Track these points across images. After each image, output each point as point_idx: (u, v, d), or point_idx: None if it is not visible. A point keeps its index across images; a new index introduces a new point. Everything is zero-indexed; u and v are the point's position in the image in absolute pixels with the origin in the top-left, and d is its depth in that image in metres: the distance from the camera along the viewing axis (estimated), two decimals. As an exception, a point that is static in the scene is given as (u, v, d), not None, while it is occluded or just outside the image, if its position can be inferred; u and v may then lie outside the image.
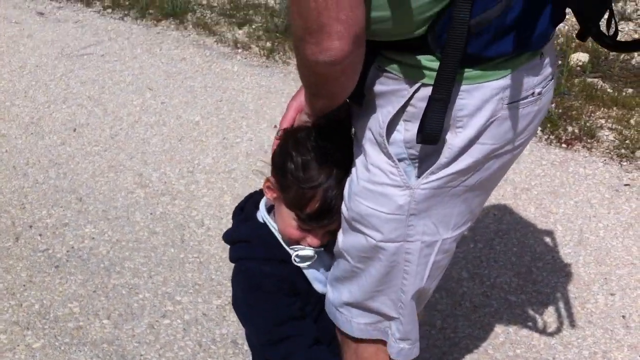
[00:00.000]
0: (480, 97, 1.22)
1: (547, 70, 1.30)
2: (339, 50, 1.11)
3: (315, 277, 1.56)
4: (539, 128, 3.42)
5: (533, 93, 1.27)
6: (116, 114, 3.73)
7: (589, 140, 3.39)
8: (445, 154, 1.26)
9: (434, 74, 1.19)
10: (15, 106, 3.84)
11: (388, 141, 1.28)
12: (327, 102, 1.31)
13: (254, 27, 4.67)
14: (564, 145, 3.38)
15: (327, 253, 1.54)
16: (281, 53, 4.31)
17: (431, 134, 1.20)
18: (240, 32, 4.64)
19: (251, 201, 1.63)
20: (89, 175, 3.25)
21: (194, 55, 4.33)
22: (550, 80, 1.33)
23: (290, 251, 1.51)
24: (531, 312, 2.43)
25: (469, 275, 2.60)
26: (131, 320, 2.44)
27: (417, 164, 1.29)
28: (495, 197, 2.99)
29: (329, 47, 1.10)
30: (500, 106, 1.23)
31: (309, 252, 1.49)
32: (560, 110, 3.59)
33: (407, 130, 1.27)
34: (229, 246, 1.62)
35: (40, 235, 2.87)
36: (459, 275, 2.60)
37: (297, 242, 1.50)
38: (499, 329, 2.38)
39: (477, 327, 2.38)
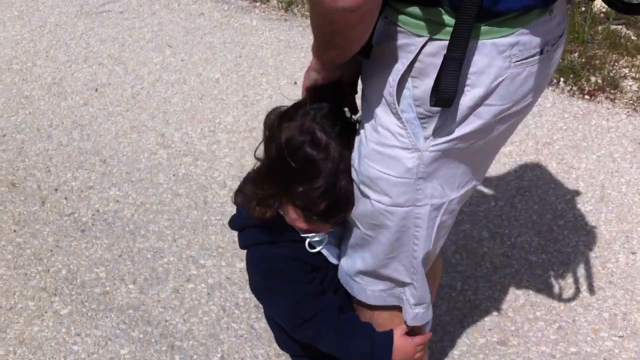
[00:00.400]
0: (488, 54, 1.20)
1: (557, 28, 1.28)
2: None
3: (330, 252, 1.57)
4: (562, 79, 3.37)
5: (542, 51, 1.25)
6: (137, 73, 3.73)
7: (612, 91, 3.33)
8: (454, 115, 1.25)
9: (442, 27, 1.18)
10: (37, 66, 3.85)
11: (398, 100, 1.27)
12: (339, 53, 1.27)
13: (272, -23, 4.61)
14: (586, 96, 3.32)
15: (338, 225, 1.54)
16: (300, 6, 4.25)
17: (447, 95, 1.19)
18: (259, -17, 4.57)
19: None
20: (112, 137, 3.27)
21: (212, 10, 4.29)
22: (560, 37, 1.30)
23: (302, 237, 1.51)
24: (552, 273, 2.44)
25: (489, 234, 2.61)
26: (156, 285, 2.49)
27: (425, 124, 1.28)
28: (517, 153, 2.97)
29: None
30: (508, 64, 1.21)
31: (320, 236, 1.50)
32: (583, 60, 3.52)
33: (415, 87, 1.25)
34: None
35: (65, 198, 2.92)
36: (479, 235, 2.61)
37: (307, 232, 1.50)
38: (519, 290, 2.39)
39: (498, 289, 2.40)
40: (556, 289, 2.39)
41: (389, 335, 1.54)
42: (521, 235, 2.60)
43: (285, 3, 4.28)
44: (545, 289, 2.38)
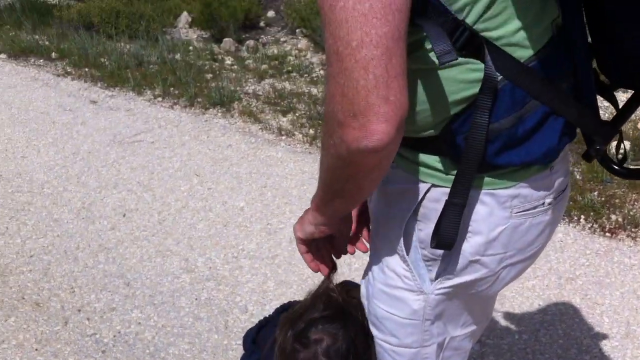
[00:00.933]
0: (489, 204, 1.22)
1: (558, 181, 1.28)
2: (385, 133, 1.02)
3: None
4: (582, 216, 3.42)
5: (543, 203, 1.26)
6: (164, 200, 3.83)
7: (633, 229, 3.37)
8: (457, 260, 1.26)
9: (444, 175, 1.20)
10: (68, 191, 3.97)
11: (404, 242, 1.28)
12: (345, 204, 1.25)
13: (297, 114, 4.80)
14: (607, 234, 3.35)
15: None
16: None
17: (447, 239, 1.19)
18: (284, 119, 4.76)
19: (263, 332, 1.64)
20: (137, 260, 3.32)
21: (239, 142, 4.45)
22: (563, 191, 1.31)
23: None
24: (579, 408, 2.39)
25: (514, 367, 2.57)
26: (175, 408, 2.45)
27: (430, 267, 1.29)
28: (540, 287, 2.98)
29: (375, 130, 1.02)
30: (509, 214, 1.23)
31: None
32: (603, 199, 3.58)
33: (420, 230, 1.27)
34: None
35: (88, 319, 2.93)
36: (503, 368, 2.57)
37: None
38: None
39: (523, 423, 2.34)
40: None
41: None
42: (546, 369, 2.56)
43: (310, 137, 4.44)
44: None
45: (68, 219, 3.70)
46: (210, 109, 4.93)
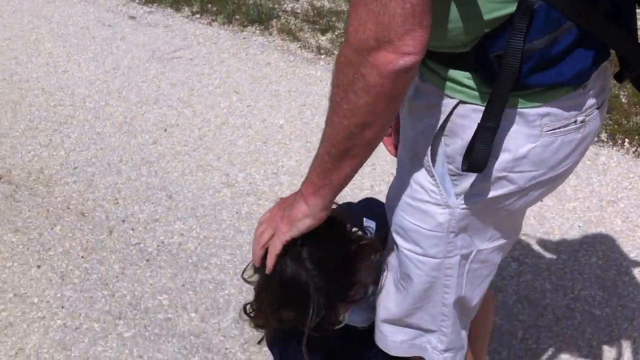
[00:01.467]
0: (518, 122, 1.22)
1: (592, 100, 1.27)
2: (417, 54, 1.08)
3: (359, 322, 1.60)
4: (627, 140, 3.37)
5: (575, 121, 1.25)
6: (204, 116, 3.85)
7: (678, 155, 3.32)
8: (484, 176, 1.26)
9: (472, 92, 1.20)
10: (109, 106, 4.00)
11: (431, 157, 1.29)
12: (354, 164, 1.23)
13: (336, 33, 4.73)
14: (652, 158, 3.31)
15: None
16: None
17: (479, 162, 1.20)
18: (323, 38, 4.71)
19: None
20: (178, 174, 3.37)
21: (278, 61, 4.43)
22: (597, 108, 1.29)
23: None
24: (615, 327, 2.41)
25: (552, 286, 2.59)
26: (217, 315, 2.53)
27: (456, 182, 1.30)
28: (581, 209, 2.97)
29: (409, 52, 1.07)
30: (539, 133, 1.23)
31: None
32: (649, 123, 3.52)
33: (447, 145, 1.28)
34: None
35: (132, 229, 3.00)
36: (542, 287, 2.59)
37: None
38: (581, 342, 2.36)
39: (560, 340, 2.37)
40: (620, 343, 2.35)
41: None
42: (585, 288, 2.58)
43: (350, 57, 4.39)
44: (609, 342, 2.35)
45: (110, 133, 3.75)
46: (249, 27, 4.89)
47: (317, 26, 4.87)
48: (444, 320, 1.46)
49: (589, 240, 2.81)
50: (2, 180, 3.38)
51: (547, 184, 1.32)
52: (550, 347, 2.35)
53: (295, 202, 1.31)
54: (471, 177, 1.28)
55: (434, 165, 1.30)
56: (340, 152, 1.20)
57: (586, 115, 1.26)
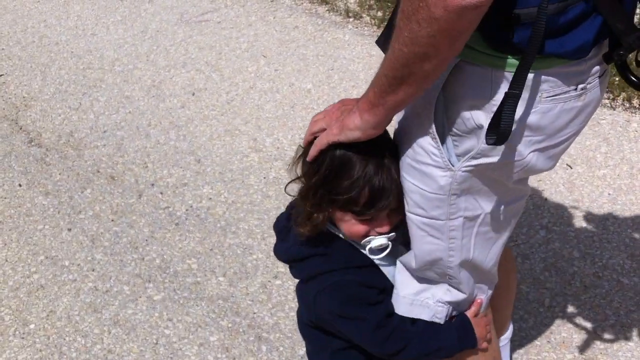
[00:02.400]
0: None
1: (593, 68, 1.26)
2: None
3: (393, 275, 1.57)
4: (659, 107, 3.31)
5: (576, 88, 1.24)
6: (232, 80, 3.85)
7: None
8: (482, 139, 1.26)
9: (472, 51, 1.20)
10: (138, 69, 4.02)
11: (433, 118, 1.29)
12: (409, 91, 1.21)
13: (366, -4, 4.69)
14: (685, 125, 3.25)
15: (404, 246, 1.53)
16: (393, 23, 4.31)
17: (506, 131, 1.19)
18: (352, 1, 4.65)
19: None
20: (206, 138, 3.38)
21: (306, 24, 4.39)
22: (598, 77, 1.28)
23: (365, 248, 1.51)
24: (644, 296, 2.40)
25: (580, 254, 2.58)
26: (245, 279, 2.56)
27: (457, 143, 1.30)
28: (611, 176, 2.93)
29: None
30: (538, 99, 1.22)
31: (381, 240, 1.48)
32: (683, 90, 3.45)
33: (447, 106, 1.29)
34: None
35: (161, 193, 3.03)
36: (570, 255, 2.58)
37: (367, 237, 1.49)
38: (609, 311, 2.35)
39: (587, 308, 2.37)
40: (649, 312, 2.34)
41: (466, 318, 1.54)
42: (613, 257, 2.56)
43: (378, 19, 4.34)
44: (637, 311, 2.34)
45: (139, 97, 3.76)
46: (277, -11, 4.85)
47: (346, -12, 4.81)
48: (451, 279, 1.47)
49: (619, 208, 2.78)
50: (32, 143, 3.42)
51: (547, 152, 1.31)
52: (577, 316, 2.34)
53: (352, 111, 1.32)
54: (471, 139, 1.28)
55: (435, 126, 1.30)
56: (397, 78, 1.19)
57: (587, 83, 1.26)
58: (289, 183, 1.55)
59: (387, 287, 1.56)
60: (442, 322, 1.53)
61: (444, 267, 1.45)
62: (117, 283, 2.56)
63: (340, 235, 1.52)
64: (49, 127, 3.55)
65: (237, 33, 4.33)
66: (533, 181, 2.92)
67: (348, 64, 3.94)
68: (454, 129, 1.29)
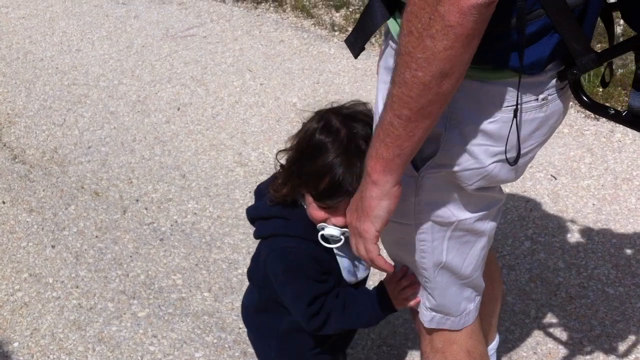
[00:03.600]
0: (475, 94, 1.21)
1: (553, 80, 1.25)
2: None
3: (346, 267, 1.63)
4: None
5: (537, 99, 1.24)
6: (217, 94, 3.85)
7: (696, 131, 3.27)
8: (443, 144, 1.26)
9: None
10: (123, 85, 4.01)
11: None
12: (429, 123, 1.15)
13: (350, 9, 4.70)
14: (669, 135, 3.27)
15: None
16: (377, 36, 4.32)
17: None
18: (337, 14, 4.68)
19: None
20: (191, 153, 3.37)
21: (292, 38, 4.40)
22: (561, 89, 1.28)
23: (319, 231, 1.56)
24: (629, 306, 2.39)
25: (565, 265, 2.58)
26: (230, 294, 2.54)
27: (421, 148, 1.26)
28: (595, 187, 2.94)
29: None
30: (498, 108, 1.22)
31: (334, 231, 1.53)
32: (666, 100, 3.47)
33: None
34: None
35: (146, 209, 3.02)
36: (555, 265, 2.58)
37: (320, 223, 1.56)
38: (595, 321, 2.35)
39: (573, 318, 2.37)
40: (633, 322, 2.34)
41: (381, 287, 1.61)
42: (598, 267, 2.56)
43: (364, 33, 4.36)
44: (622, 321, 2.34)
45: (124, 112, 3.76)
46: (262, 3, 4.86)
47: (331, 2, 4.83)
48: (427, 282, 1.48)
49: (603, 218, 2.79)
50: (16, 160, 3.41)
51: (508, 164, 1.30)
52: (563, 327, 2.34)
53: (364, 190, 1.24)
54: (433, 145, 1.27)
55: None
56: (414, 113, 1.12)
57: (548, 94, 1.26)
58: (280, 151, 1.65)
59: (333, 272, 1.62)
60: (425, 325, 1.55)
61: (420, 269, 1.46)
62: (101, 300, 2.54)
63: (303, 204, 1.59)
64: (33, 144, 3.53)
65: (223, 47, 4.33)
66: (517, 192, 2.93)
67: (334, 77, 3.95)
68: None
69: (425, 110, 1.12)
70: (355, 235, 1.31)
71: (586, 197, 2.90)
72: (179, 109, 3.74)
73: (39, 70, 4.23)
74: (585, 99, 1.28)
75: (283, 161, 1.62)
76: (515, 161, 1.25)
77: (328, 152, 1.48)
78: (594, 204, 2.86)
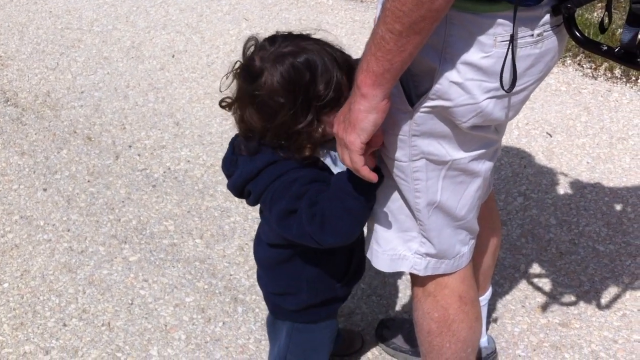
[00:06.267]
0: (469, 28, 1.20)
1: (548, 16, 1.23)
2: None
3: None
4: (638, 75, 3.31)
5: (532, 35, 1.23)
6: (213, 43, 3.80)
7: (693, 93, 3.26)
8: (437, 79, 1.25)
9: None
10: (117, 30, 3.95)
11: None
12: (421, 39, 1.15)
13: (350, -39, 4.63)
14: (665, 96, 3.26)
15: None
16: (377, -12, 4.27)
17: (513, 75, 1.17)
18: (337, -35, 4.61)
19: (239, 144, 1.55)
20: (185, 101, 3.34)
21: (290, -13, 4.34)
22: (556, 26, 1.26)
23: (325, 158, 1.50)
24: (619, 263, 2.41)
25: (557, 221, 2.59)
26: (222, 242, 2.54)
27: (416, 84, 1.29)
28: (590, 145, 2.94)
29: None
30: (493, 42, 1.20)
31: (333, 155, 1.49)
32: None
33: None
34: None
35: (138, 155, 3.00)
36: (546, 221, 2.58)
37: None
38: (584, 277, 2.36)
39: (562, 274, 2.38)
40: (623, 279, 2.35)
41: (346, 171, 1.46)
42: (589, 224, 2.57)
43: (363, -15, 4.30)
44: (612, 278, 2.35)
45: (118, 58, 3.71)
46: (260, -48, 4.78)
47: (330, -47, 4.75)
48: (421, 225, 1.47)
49: (597, 177, 2.79)
50: (8, 103, 3.37)
51: (503, 100, 1.29)
52: (552, 282, 2.35)
53: (352, 102, 1.24)
54: (427, 80, 1.27)
55: None
56: (405, 27, 1.12)
57: (543, 30, 1.24)
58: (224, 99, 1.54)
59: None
60: (420, 273, 1.54)
61: (413, 210, 1.45)
62: (92, 244, 2.54)
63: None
64: (25, 87, 3.49)
65: (219, -5, 4.27)
66: (512, 149, 2.92)
67: (331, 28, 3.90)
68: (411, 69, 1.26)
69: (417, 25, 1.12)
70: (342, 146, 1.31)
71: (580, 155, 2.89)
72: (173, 56, 3.70)
73: (32, 14, 4.17)
74: (579, 34, 1.25)
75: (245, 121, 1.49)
76: (510, 89, 1.23)
77: (317, 63, 1.41)
78: (588, 162, 2.86)
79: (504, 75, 1.23)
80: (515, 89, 1.27)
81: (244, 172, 1.52)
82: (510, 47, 1.20)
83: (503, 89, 1.23)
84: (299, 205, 1.46)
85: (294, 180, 1.47)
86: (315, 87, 1.41)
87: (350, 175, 1.41)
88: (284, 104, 1.42)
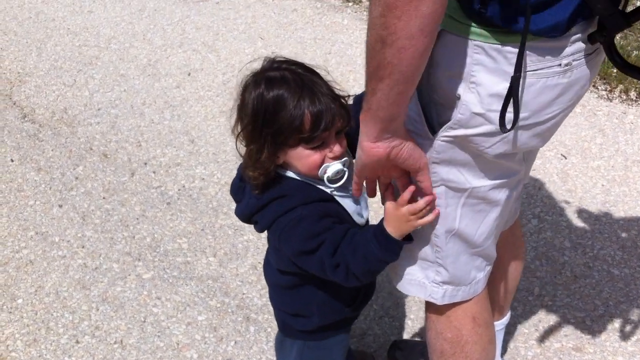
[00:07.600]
0: (496, 57, 1.19)
1: (577, 44, 1.22)
2: None
3: (355, 210, 1.55)
4: (657, 100, 3.30)
5: (560, 64, 1.22)
6: (228, 61, 3.83)
7: None
8: (460, 109, 1.25)
9: (455, 22, 1.19)
10: (134, 48, 3.99)
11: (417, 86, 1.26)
12: (388, 84, 1.15)
13: (366, -19, 4.66)
14: (682, 119, 3.24)
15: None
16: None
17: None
18: (353, -15, 4.63)
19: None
20: (201, 119, 3.36)
21: (305, 7, 4.37)
22: (588, 54, 1.24)
23: (323, 180, 1.48)
24: (634, 288, 2.39)
25: (571, 244, 2.57)
26: (235, 260, 2.55)
27: (439, 112, 1.30)
28: (605, 168, 2.93)
29: None
30: (520, 72, 1.19)
31: (337, 166, 1.46)
32: (680, 83, 3.44)
33: (430, 74, 1.27)
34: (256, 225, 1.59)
35: (154, 172, 3.02)
36: (561, 244, 2.57)
37: (321, 167, 1.47)
38: (598, 301, 2.35)
39: (576, 298, 2.36)
40: (638, 303, 2.33)
41: (381, 224, 1.47)
42: (604, 248, 2.56)
43: (378, 5, 4.32)
44: (626, 302, 2.34)
45: (134, 75, 3.74)
46: (277, -28, 4.82)
47: (346, -27, 4.78)
48: (438, 252, 1.47)
49: (612, 200, 2.77)
50: (26, 119, 3.40)
51: (531, 130, 1.29)
52: (566, 305, 2.34)
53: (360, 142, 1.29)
54: (450, 110, 1.27)
55: (418, 95, 1.30)
56: (370, 73, 1.16)
57: (573, 60, 1.23)
58: (237, 138, 1.52)
59: (344, 219, 1.52)
60: (438, 302, 1.54)
61: (432, 236, 1.45)
62: (106, 260, 2.55)
63: (295, 177, 1.50)
64: (42, 103, 3.52)
65: (235, 14, 4.30)
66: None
67: (346, 48, 3.92)
68: (435, 98, 1.28)
69: (377, 72, 1.14)
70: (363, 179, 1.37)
71: (595, 178, 2.88)
72: (189, 74, 3.72)
73: (50, 31, 4.22)
74: (618, 59, 1.25)
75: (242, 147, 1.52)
76: (511, 128, 1.22)
77: (288, 99, 1.41)
78: (603, 185, 2.85)
79: (529, 107, 1.23)
80: (543, 117, 1.27)
81: (250, 204, 1.53)
82: (520, 80, 1.20)
83: (500, 128, 1.22)
84: (314, 246, 1.46)
85: (301, 219, 1.46)
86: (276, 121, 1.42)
87: (378, 240, 1.43)
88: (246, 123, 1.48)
